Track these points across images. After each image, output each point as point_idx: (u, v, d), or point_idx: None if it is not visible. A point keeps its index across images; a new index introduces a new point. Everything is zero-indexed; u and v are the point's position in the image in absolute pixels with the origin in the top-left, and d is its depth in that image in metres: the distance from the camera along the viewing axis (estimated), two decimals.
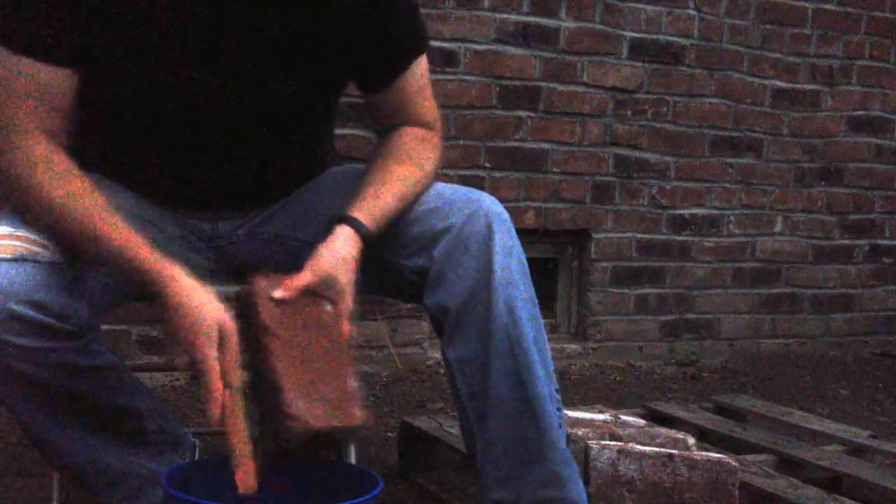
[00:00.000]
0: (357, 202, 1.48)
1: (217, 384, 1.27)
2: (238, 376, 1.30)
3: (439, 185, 1.58)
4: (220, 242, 1.65)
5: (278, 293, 1.35)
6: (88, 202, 1.35)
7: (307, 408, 1.28)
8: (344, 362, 1.35)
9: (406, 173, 1.54)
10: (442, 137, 1.66)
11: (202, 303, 1.31)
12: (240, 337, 1.31)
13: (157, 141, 1.52)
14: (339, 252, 1.41)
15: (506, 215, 1.52)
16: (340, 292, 1.39)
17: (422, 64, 1.60)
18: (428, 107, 1.63)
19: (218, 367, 1.28)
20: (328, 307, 1.38)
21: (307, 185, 1.65)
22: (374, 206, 1.48)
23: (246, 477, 1.27)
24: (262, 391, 1.31)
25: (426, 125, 1.63)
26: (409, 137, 1.60)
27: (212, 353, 1.29)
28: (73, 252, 1.37)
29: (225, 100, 1.48)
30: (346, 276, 1.40)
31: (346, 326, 1.38)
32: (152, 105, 1.48)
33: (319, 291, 1.38)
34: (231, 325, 1.31)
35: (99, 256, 1.36)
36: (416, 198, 1.54)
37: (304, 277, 1.37)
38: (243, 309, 1.34)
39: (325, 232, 1.44)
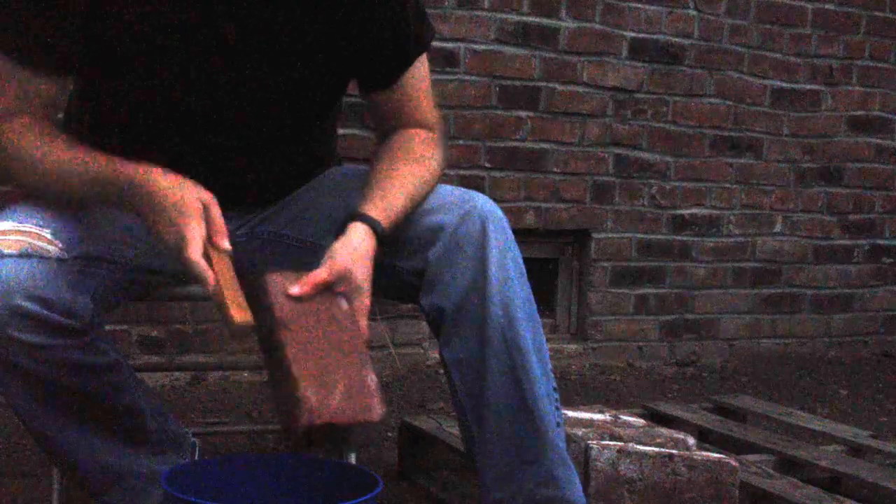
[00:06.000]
0: (369, 200, 1.46)
1: (198, 254, 1.28)
2: (225, 242, 1.32)
3: None
4: None
5: (295, 289, 1.33)
6: (69, 147, 1.40)
7: (322, 401, 1.27)
8: (360, 358, 1.33)
9: (413, 173, 1.53)
10: (443, 139, 1.64)
11: (179, 183, 1.33)
12: (254, 333, 1.31)
13: (157, 141, 1.52)
14: (355, 248, 1.40)
15: (500, 214, 1.52)
16: (357, 289, 1.37)
17: (423, 63, 1.60)
18: (428, 108, 1.62)
19: (201, 238, 1.30)
20: (344, 304, 1.37)
21: (307, 185, 1.65)
22: (386, 204, 1.46)
23: (238, 309, 1.27)
24: (277, 386, 1.30)
25: (427, 127, 1.61)
26: (413, 138, 1.59)
27: (197, 224, 1.30)
28: (67, 199, 1.42)
29: (226, 99, 1.49)
30: (362, 273, 1.38)
31: (364, 323, 1.37)
32: (151, 107, 1.48)
33: (336, 288, 1.37)
34: (209, 196, 1.33)
35: (86, 188, 1.39)
36: (424, 198, 1.52)
37: (320, 274, 1.36)
38: (255, 302, 1.32)
39: (339, 230, 1.43)
